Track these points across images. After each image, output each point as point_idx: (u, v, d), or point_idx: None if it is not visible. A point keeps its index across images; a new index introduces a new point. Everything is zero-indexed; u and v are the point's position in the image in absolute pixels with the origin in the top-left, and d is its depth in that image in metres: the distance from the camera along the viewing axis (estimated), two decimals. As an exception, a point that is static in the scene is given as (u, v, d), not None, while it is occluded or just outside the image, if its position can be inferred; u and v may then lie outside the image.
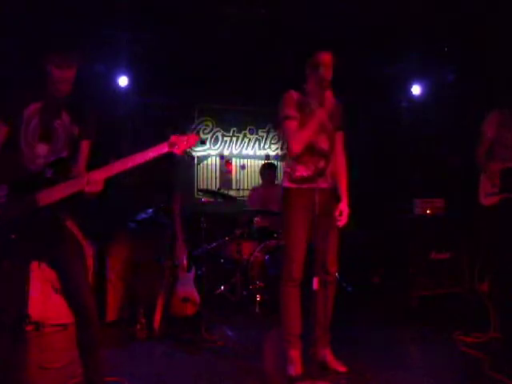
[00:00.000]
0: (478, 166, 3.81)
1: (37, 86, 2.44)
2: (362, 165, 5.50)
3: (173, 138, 2.42)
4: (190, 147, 2.50)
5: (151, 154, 2.40)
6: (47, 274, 3.90)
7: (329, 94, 2.98)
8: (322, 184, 3.07)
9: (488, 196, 3.66)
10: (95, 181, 2.36)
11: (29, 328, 3.99)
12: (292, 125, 3.06)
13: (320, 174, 3.07)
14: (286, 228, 3.17)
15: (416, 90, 6.31)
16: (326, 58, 3.09)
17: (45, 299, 4.07)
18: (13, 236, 2.27)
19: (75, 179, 2.39)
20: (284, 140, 3.34)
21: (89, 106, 2.60)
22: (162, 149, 2.41)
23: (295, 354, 3.09)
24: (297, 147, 3.04)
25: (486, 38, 4.80)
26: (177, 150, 2.42)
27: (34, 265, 3.76)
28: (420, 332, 4.19)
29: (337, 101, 3.11)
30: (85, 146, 2.56)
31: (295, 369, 3.04)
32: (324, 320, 3.15)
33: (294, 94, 3.14)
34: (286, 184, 3.19)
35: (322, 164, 3.10)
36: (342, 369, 3.14)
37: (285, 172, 3.26)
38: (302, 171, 3.12)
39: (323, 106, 2.99)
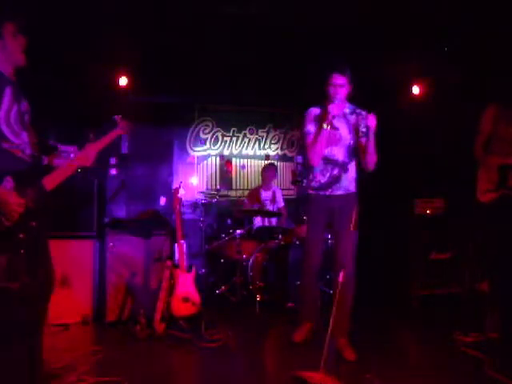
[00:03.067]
0: (476, 159, 3.81)
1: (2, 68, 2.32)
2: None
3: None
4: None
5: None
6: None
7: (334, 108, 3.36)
8: (337, 191, 3.54)
9: (485, 193, 3.66)
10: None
11: (29, 328, 3.99)
12: (309, 139, 3.53)
13: (335, 180, 3.54)
14: (307, 227, 3.72)
15: (416, 90, 6.31)
16: (335, 78, 3.46)
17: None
18: (33, 224, 2.30)
19: (74, 160, 2.52)
20: (305, 153, 3.87)
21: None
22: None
23: (303, 328, 3.65)
24: (313, 159, 3.52)
25: (486, 38, 4.80)
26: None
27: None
28: (420, 332, 4.20)
29: (360, 114, 3.63)
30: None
31: (296, 337, 3.63)
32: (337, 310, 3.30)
33: (312, 110, 3.58)
34: (307, 190, 3.72)
35: (336, 172, 3.54)
36: (350, 357, 3.31)
37: (307, 180, 3.76)
38: (319, 178, 3.58)
39: (329, 119, 3.35)
